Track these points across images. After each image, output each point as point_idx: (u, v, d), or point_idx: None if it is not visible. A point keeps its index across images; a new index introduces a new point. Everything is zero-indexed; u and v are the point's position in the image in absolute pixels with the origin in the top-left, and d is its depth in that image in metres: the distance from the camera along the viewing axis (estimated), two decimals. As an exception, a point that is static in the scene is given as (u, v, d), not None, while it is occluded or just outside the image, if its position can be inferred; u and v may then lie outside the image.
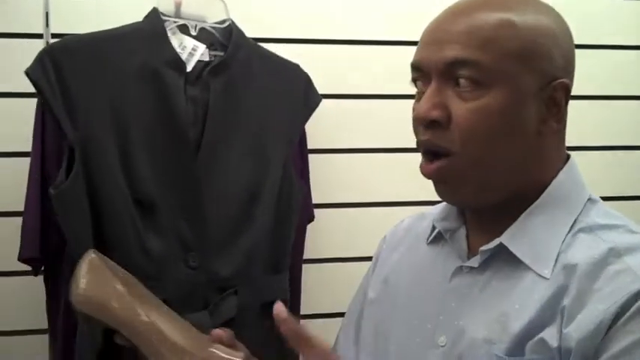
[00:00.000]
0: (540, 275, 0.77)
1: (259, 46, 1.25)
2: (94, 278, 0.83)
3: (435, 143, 0.79)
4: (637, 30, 1.79)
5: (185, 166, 1.12)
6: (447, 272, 0.86)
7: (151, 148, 1.12)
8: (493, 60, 0.76)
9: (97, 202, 1.10)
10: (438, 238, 0.91)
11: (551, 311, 0.75)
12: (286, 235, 1.21)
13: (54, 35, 1.45)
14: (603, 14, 1.76)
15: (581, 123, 1.67)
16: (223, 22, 1.22)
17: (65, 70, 1.09)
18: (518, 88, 0.77)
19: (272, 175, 1.17)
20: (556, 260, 0.78)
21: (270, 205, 1.16)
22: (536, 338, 0.75)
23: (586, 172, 0.85)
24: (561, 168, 0.83)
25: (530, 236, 0.80)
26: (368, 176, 1.61)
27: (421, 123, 0.79)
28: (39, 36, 1.45)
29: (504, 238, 0.81)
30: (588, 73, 1.58)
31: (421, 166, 0.82)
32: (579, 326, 0.72)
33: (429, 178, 0.81)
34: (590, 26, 1.73)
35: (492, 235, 0.82)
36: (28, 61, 1.42)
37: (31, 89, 1.35)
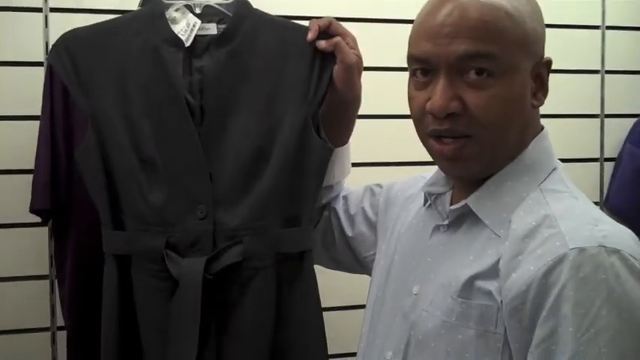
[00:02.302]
0: (496, 234, 0.85)
1: (266, 14, 1.34)
2: None
3: (456, 130, 0.84)
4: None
5: (183, 129, 1.27)
6: (428, 231, 0.96)
7: (152, 115, 1.27)
8: (502, 50, 0.82)
9: (107, 161, 1.27)
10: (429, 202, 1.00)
11: (497, 267, 0.82)
12: (304, 190, 1.29)
13: (52, 9, 1.60)
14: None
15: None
16: (230, -3, 1.36)
17: (76, 55, 1.27)
18: (521, 72, 0.85)
19: (283, 133, 1.27)
20: (510, 222, 0.85)
21: (282, 161, 1.27)
22: (482, 287, 0.82)
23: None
24: (534, 138, 0.89)
25: (493, 199, 0.87)
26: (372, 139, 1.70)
27: (439, 115, 0.84)
28: (39, 10, 1.60)
29: (470, 200, 0.89)
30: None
31: (435, 148, 0.87)
32: (513, 285, 0.79)
33: (448, 157, 0.87)
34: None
35: None
36: (31, 31, 1.58)
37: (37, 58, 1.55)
